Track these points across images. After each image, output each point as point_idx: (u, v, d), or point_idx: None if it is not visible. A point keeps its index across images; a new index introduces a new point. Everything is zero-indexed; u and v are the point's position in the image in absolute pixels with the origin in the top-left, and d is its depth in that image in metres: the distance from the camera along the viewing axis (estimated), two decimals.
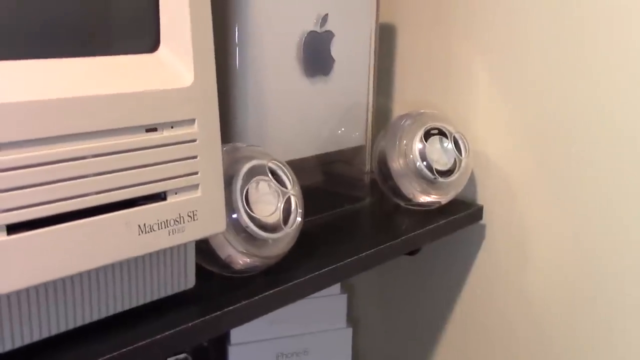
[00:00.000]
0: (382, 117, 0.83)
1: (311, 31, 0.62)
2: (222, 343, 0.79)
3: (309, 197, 0.56)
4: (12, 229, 0.36)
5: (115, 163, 0.40)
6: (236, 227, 0.50)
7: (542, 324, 0.75)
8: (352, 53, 0.68)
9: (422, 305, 0.87)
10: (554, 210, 0.72)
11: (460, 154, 0.70)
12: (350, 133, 0.71)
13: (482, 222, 0.77)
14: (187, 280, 0.49)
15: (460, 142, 0.71)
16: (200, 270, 0.50)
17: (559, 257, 0.73)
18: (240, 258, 0.51)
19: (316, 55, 0.63)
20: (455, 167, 0.70)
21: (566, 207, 0.71)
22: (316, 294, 0.80)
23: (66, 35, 0.40)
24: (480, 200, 0.77)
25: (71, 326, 0.42)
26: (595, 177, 0.68)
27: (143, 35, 0.43)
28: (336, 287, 0.84)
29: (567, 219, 0.71)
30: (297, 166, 0.58)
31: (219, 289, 0.51)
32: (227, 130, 0.59)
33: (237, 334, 0.78)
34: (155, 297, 0.47)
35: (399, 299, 0.89)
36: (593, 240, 0.70)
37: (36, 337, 0.40)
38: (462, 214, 0.73)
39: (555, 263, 0.73)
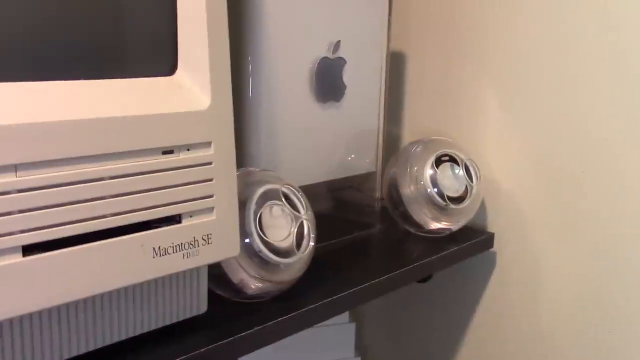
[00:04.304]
0: (393, 144, 0.83)
1: (324, 57, 0.62)
2: None
3: (320, 223, 0.56)
4: (28, 250, 0.36)
5: (131, 185, 0.40)
6: (249, 251, 0.50)
7: (554, 351, 0.74)
8: (364, 79, 0.68)
9: (433, 334, 0.85)
10: (565, 237, 0.71)
11: (472, 181, 0.70)
12: (361, 159, 0.71)
13: (493, 249, 0.76)
14: (200, 305, 0.48)
15: (471, 168, 0.70)
16: (211, 296, 0.49)
17: (570, 284, 0.72)
18: (252, 283, 0.51)
19: (328, 82, 0.64)
20: (467, 194, 0.70)
21: (577, 234, 0.70)
22: (324, 322, 0.79)
23: (85, 57, 0.40)
24: (491, 228, 0.77)
25: (83, 350, 0.41)
26: (608, 205, 0.68)
27: (161, 58, 0.43)
28: (344, 316, 0.83)
29: (578, 247, 0.70)
30: (308, 192, 0.57)
31: (231, 315, 0.50)
32: (240, 155, 0.59)
33: None
34: (167, 322, 0.46)
35: (409, 327, 0.88)
36: (605, 267, 0.69)
37: None
38: (473, 241, 0.73)
39: (566, 290, 0.72)
